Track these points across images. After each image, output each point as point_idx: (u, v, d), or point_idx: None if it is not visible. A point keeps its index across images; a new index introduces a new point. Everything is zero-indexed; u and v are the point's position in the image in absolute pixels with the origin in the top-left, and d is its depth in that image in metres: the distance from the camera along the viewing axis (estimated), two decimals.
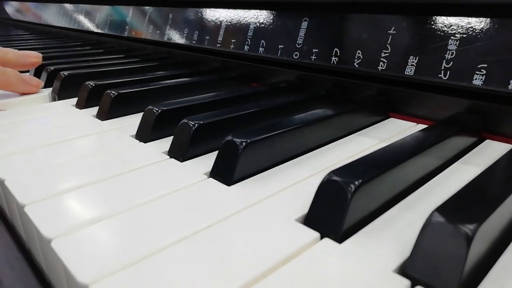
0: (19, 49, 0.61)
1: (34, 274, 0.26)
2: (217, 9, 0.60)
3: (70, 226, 0.23)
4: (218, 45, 0.59)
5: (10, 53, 0.57)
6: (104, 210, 0.25)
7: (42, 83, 0.57)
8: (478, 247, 0.19)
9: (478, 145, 0.35)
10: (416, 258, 0.19)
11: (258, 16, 0.54)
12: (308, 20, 0.48)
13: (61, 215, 0.24)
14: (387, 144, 0.30)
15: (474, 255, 0.18)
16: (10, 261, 0.27)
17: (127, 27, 0.82)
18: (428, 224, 0.19)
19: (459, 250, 0.18)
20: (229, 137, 0.30)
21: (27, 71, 0.65)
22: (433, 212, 0.19)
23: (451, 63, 0.36)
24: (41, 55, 0.61)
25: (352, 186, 0.22)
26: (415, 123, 0.40)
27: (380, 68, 0.41)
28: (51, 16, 1.17)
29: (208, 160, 0.32)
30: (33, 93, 0.54)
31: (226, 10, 0.59)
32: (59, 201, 0.26)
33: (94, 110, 0.46)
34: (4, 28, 1.43)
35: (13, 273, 0.26)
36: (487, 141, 0.36)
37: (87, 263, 0.20)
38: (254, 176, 0.30)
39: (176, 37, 0.67)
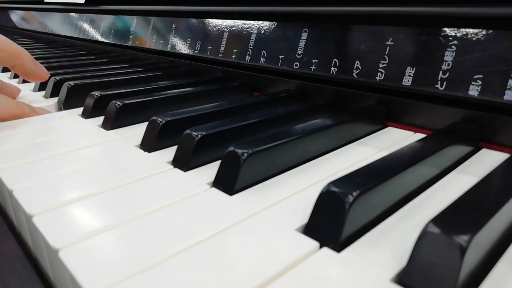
0: None
1: (41, 282, 0.26)
2: (219, 20, 0.61)
3: (77, 237, 0.24)
4: (220, 55, 0.60)
5: (29, 62, 0.55)
6: (110, 220, 0.26)
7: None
8: (472, 257, 0.19)
9: (474, 154, 0.36)
10: (412, 267, 0.20)
11: (259, 27, 0.55)
12: (308, 31, 0.49)
13: (68, 225, 0.25)
14: (386, 153, 0.31)
15: (468, 265, 0.19)
16: (17, 269, 0.28)
17: (131, 36, 0.83)
18: (423, 235, 0.20)
19: (454, 261, 0.19)
20: (231, 148, 0.30)
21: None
22: (428, 222, 0.20)
23: (448, 73, 0.37)
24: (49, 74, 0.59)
25: (350, 197, 0.23)
26: (413, 132, 0.41)
27: (378, 78, 0.42)
28: (56, 25, 1.18)
29: (211, 170, 0.33)
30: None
31: (228, 21, 0.60)
32: (66, 211, 0.27)
33: (100, 119, 0.47)
34: (10, 37, 1.44)
35: (20, 281, 0.26)
36: (484, 150, 0.36)
37: (94, 273, 0.21)
38: (256, 186, 0.30)
39: (179, 47, 0.69)
